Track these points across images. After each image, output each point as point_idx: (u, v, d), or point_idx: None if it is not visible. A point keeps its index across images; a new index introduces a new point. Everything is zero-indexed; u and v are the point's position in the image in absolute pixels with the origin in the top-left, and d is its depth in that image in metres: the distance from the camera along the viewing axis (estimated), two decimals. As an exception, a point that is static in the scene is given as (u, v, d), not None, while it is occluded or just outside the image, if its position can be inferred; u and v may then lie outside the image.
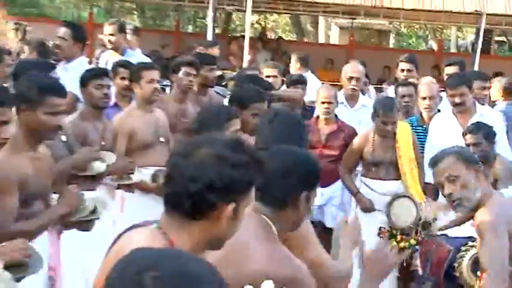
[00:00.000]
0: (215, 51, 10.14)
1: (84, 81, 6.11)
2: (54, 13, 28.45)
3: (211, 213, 2.49)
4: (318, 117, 7.69)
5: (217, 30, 19.87)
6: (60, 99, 4.69)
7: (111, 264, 1.98)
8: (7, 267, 3.74)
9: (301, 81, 8.29)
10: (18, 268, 4.01)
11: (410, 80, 8.37)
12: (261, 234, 3.06)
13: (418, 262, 6.86)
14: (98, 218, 4.79)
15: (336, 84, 12.06)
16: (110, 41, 8.96)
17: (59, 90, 4.75)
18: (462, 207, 4.39)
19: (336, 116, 7.63)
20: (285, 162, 3.23)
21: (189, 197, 2.47)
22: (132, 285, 1.72)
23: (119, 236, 2.81)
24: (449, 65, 9.22)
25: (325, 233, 7.60)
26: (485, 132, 6.34)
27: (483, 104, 7.54)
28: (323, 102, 7.48)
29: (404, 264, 7.19)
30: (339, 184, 7.52)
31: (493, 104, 8.74)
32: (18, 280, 4.05)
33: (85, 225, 4.75)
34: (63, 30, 8.35)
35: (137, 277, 1.74)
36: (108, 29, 9.03)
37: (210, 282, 1.79)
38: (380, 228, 6.94)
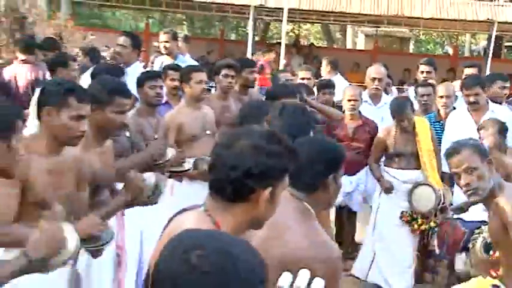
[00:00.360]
0: (271, 56, 10.24)
1: (141, 82, 6.15)
2: (115, 24, 28.60)
3: (250, 196, 2.50)
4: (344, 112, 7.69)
5: (256, 38, 19.80)
6: (126, 100, 4.75)
7: (163, 245, 2.04)
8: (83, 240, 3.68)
9: (329, 85, 8.25)
10: (90, 240, 3.97)
11: (429, 81, 8.31)
12: (300, 217, 3.03)
13: (435, 242, 6.81)
14: (161, 193, 4.72)
15: (362, 85, 12.06)
16: (165, 47, 9.15)
17: (125, 92, 4.80)
18: (477, 196, 4.35)
19: (359, 112, 7.64)
20: (311, 150, 3.18)
21: (230, 182, 2.48)
22: (180, 263, 1.76)
23: (171, 219, 2.83)
24: (469, 66, 9.25)
25: (350, 216, 7.62)
26: (499, 128, 6.28)
27: (500, 103, 7.49)
28: (349, 100, 7.46)
29: (424, 244, 7.24)
30: (363, 173, 7.52)
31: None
32: (96, 251, 4.12)
33: (150, 200, 4.67)
34: (123, 39, 8.44)
35: (184, 255, 1.77)
36: (163, 37, 9.21)
37: (250, 262, 1.81)
38: (402, 213, 6.96)
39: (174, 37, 9.36)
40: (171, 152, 5.78)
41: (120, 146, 5.19)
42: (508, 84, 7.78)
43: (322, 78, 9.53)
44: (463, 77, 8.45)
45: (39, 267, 3.09)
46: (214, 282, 1.73)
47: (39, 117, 3.83)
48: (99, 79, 5.17)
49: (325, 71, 10.20)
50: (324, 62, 10.33)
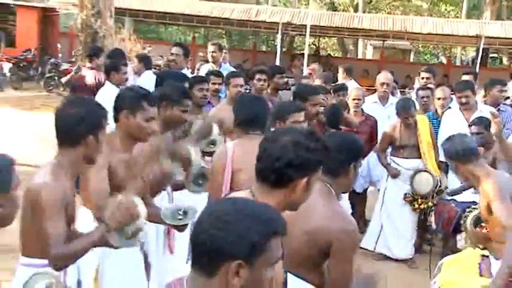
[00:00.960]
0: (315, 66, 10.34)
1: (190, 85, 6.18)
2: (168, 37, 28.73)
3: (290, 184, 2.51)
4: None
5: (283, 49, 19.75)
6: (190, 101, 4.83)
7: None
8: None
9: (342, 88, 8.19)
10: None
11: (429, 85, 8.30)
12: (324, 197, 3.04)
13: (432, 219, 6.80)
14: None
15: (371, 89, 12.02)
16: (212, 56, 9.17)
17: (189, 95, 4.94)
18: (468, 181, 4.36)
19: (362, 109, 7.65)
20: (337, 143, 3.17)
21: (274, 171, 2.51)
22: (210, 219, 1.79)
23: (226, 195, 2.91)
24: (466, 74, 9.28)
25: (354, 196, 7.58)
26: (486, 124, 6.27)
27: (499, 104, 7.48)
28: (354, 99, 7.51)
29: (423, 220, 7.25)
30: (366, 160, 7.51)
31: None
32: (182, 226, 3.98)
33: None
34: (176, 49, 8.56)
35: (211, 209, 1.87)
36: (211, 48, 9.25)
37: (265, 222, 1.81)
38: (405, 194, 7.00)
39: (220, 48, 9.43)
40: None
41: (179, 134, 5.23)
42: (506, 88, 7.78)
43: (337, 83, 9.51)
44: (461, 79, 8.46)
45: (116, 236, 3.08)
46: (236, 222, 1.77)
47: (116, 119, 3.82)
48: (171, 83, 5.24)
49: (341, 76, 10.16)
50: (340, 70, 10.28)
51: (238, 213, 1.78)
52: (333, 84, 9.23)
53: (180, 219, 3.89)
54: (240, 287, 1.73)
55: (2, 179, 2.72)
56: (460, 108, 7.19)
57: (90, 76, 8.62)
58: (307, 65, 11.74)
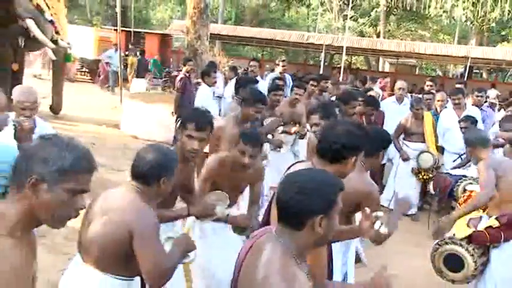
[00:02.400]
0: (387, 80, 10.24)
1: (269, 91, 5.94)
2: (245, 54, 28.72)
3: (342, 161, 2.48)
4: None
5: (326, 63, 19.50)
6: (262, 105, 4.52)
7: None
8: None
9: (367, 91, 8.05)
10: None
11: (431, 91, 8.05)
12: (357, 169, 2.88)
13: (431, 187, 6.67)
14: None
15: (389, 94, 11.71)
16: (283, 67, 9.05)
17: (266, 99, 4.72)
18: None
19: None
20: (373, 134, 3.16)
21: (331, 151, 2.47)
22: (294, 188, 1.72)
23: (289, 167, 2.81)
24: (458, 83, 9.42)
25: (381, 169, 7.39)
26: (472, 121, 6.08)
27: (481, 105, 7.47)
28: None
29: (424, 187, 7.05)
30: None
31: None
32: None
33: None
34: (253, 63, 8.60)
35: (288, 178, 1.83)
36: (283, 63, 9.17)
37: (323, 176, 1.80)
38: (412, 168, 6.87)
39: (285, 62, 9.33)
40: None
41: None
42: (481, 94, 7.56)
43: (366, 87, 9.34)
44: (455, 87, 8.32)
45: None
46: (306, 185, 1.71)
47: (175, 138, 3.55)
48: (253, 89, 5.00)
49: (368, 83, 9.99)
50: (368, 77, 10.10)
51: (314, 181, 1.73)
52: (361, 88, 9.13)
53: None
54: (323, 232, 1.72)
55: (171, 165, 2.50)
56: (453, 108, 7.02)
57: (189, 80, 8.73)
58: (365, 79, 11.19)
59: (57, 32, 9.63)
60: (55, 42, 9.48)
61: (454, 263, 3.74)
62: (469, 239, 3.74)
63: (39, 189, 1.52)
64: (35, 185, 1.51)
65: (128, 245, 2.26)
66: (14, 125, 3.18)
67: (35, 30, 8.79)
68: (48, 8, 9.49)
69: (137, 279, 2.47)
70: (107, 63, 17.01)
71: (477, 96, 7.52)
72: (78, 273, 2.38)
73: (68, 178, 1.55)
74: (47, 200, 1.52)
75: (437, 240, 3.85)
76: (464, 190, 5.57)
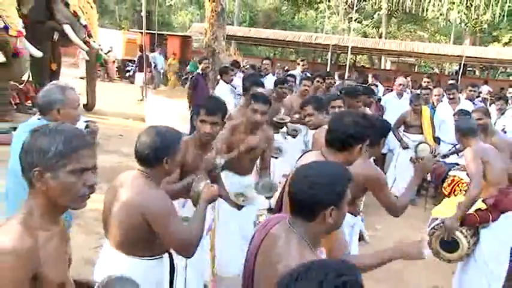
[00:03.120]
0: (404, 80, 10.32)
1: (275, 84, 5.94)
2: (258, 53, 28.55)
3: (349, 149, 2.42)
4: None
5: (332, 62, 19.34)
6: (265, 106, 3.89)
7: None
8: None
9: (372, 85, 7.98)
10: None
11: (429, 86, 7.98)
12: (362, 157, 2.91)
13: (428, 174, 6.66)
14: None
15: (389, 88, 11.58)
16: (302, 66, 9.09)
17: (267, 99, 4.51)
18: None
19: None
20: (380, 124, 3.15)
21: (339, 140, 2.42)
22: (306, 182, 1.68)
23: (300, 156, 2.78)
24: (452, 79, 9.35)
25: (383, 159, 7.33)
26: (464, 113, 6.01)
27: (474, 99, 7.48)
28: None
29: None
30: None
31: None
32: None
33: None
34: (266, 61, 8.55)
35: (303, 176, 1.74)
36: (301, 62, 9.20)
37: (333, 168, 1.75)
38: (411, 158, 6.72)
39: (305, 62, 9.43)
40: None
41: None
42: (475, 89, 7.48)
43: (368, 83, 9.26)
44: (448, 83, 8.14)
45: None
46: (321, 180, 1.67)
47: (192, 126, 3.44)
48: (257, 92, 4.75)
49: (370, 80, 9.89)
50: (370, 75, 10.01)
51: (325, 175, 1.68)
52: (365, 85, 9.04)
53: (243, 201, 3.51)
54: (333, 222, 1.68)
55: (172, 144, 2.32)
56: (448, 102, 6.94)
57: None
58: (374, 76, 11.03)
59: (89, 35, 9.73)
60: (87, 43, 9.59)
61: (449, 244, 3.73)
62: (462, 221, 3.73)
63: (45, 179, 1.45)
64: (40, 176, 1.45)
65: (145, 228, 2.15)
66: (85, 122, 3.20)
67: (71, 35, 9.02)
68: (83, 13, 9.65)
69: (166, 255, 2.39)
70: (154, 65, 17.01)
71: (470, 90, 7.50)
72: (109, 258, 2.30)
73: (66, 160, 1.46)
74: (56, 186, 1.46)
75: (433, 225, 3.82)
76: (447, 175, 5.62)
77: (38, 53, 8.11)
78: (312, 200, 1.65)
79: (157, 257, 2.33)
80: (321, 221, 1.66)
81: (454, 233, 3.70)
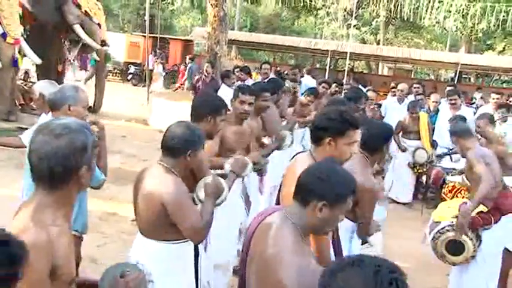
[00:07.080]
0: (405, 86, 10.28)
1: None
2: (257, 57, 28.50)
3: (320, 142, 2.29)
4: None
5: (331, 67, 19.34)
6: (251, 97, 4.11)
7: (290, 175, 2.00)
8: None
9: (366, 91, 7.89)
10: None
11: (419, 91, 8.26)
12: (361, 163, 2.71)
13: (424, 178, 6.79)
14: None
15: (386, 93, 11.61)
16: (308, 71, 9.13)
17: (253, 90, 4.41)
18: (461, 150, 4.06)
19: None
20: (378, 130, 2.89)
21: (311, 133, 2.35)
22: (316, 173, 1.68)
23: (292, 157, 2.65)
24: (450, 85, 9.16)
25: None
26: (461, 118, 6.02)
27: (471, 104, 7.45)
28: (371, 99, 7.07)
29: (419, 179, 6.99)
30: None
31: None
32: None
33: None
34: (265, 65, 8.72)
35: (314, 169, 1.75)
36: (305, 69, 9.39)
37: (344, 174, 1.71)
38: (409, 163, 6.83)
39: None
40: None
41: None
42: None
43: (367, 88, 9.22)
44: (446, 89, 8.07)
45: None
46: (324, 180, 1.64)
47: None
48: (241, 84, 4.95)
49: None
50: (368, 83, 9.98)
51: (335, 173, 1.68)
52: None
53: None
54: (321, 218, 1.64)
55: (198, 140, 2.45)
56: (449, 108, 6.94)
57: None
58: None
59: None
60: (103, 42, 9.64)
61: (455, 247, 3.72)
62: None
63: (80, 176, 1.47)
64: (71, 178, 1.46)
65: (166, 214, 2.27)
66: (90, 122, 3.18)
67: (82, 34, 9.03)
68: (93, 14, 9.68)
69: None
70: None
71: (493, 98, 7.21)
72: (140, 245, 2.44)
73: (86, 159, 1.47)
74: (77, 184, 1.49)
75: (437, 229, 3.79)
76: (445, 182, 5.71)
77: (38, 60, 8.10)
78: (311, 187, 1.65)
79: (183, 240, 2.40)
80: (311, 212, 1.64)
81: (462, 234, 3.67)
